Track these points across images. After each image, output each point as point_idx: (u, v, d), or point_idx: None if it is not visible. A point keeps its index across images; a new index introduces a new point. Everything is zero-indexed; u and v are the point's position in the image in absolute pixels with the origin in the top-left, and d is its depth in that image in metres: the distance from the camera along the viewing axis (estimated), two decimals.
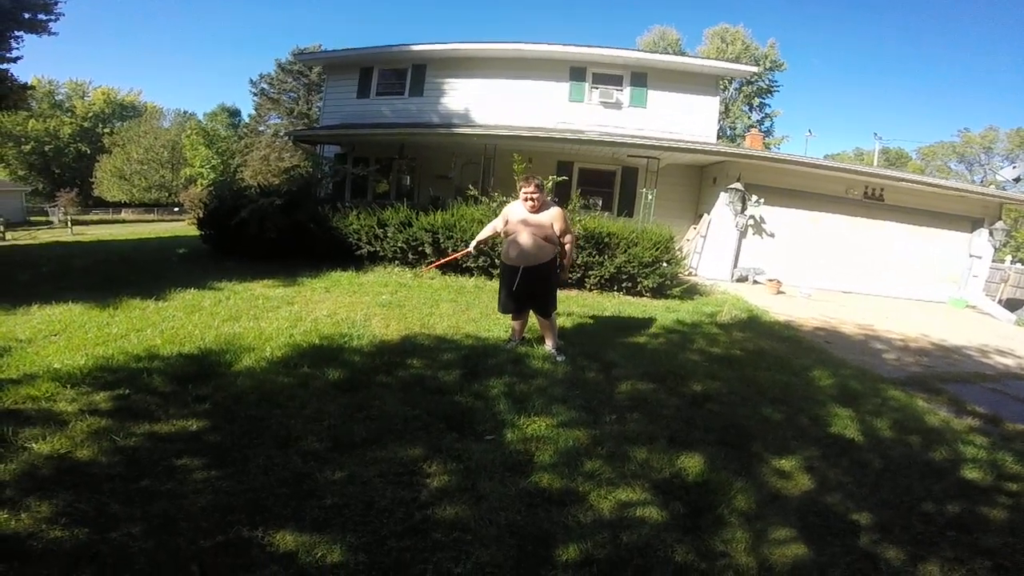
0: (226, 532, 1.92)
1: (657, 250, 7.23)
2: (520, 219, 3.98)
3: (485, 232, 4.41)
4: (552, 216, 3.98)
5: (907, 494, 2.63)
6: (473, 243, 4.51)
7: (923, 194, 10.86)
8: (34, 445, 2.38)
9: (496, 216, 7.09)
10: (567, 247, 4.13)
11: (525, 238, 3.93)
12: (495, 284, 6.84)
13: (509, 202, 7.37)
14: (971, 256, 11.05)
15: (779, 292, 9.26)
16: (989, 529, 2.40)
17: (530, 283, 3.99)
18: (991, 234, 10.83)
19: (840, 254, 10.85)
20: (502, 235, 4.20)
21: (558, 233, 4.00)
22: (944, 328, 7.75)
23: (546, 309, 4.16)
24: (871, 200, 10.83)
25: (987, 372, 5.44)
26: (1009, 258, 18.35)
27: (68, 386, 3.01)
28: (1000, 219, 11.04)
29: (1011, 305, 11.17)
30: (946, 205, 10.93)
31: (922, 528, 2.36)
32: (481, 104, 12.54)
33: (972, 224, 11.06)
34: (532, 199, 3.93)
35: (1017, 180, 12.59)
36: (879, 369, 4.99)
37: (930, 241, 11.03)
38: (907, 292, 10.89)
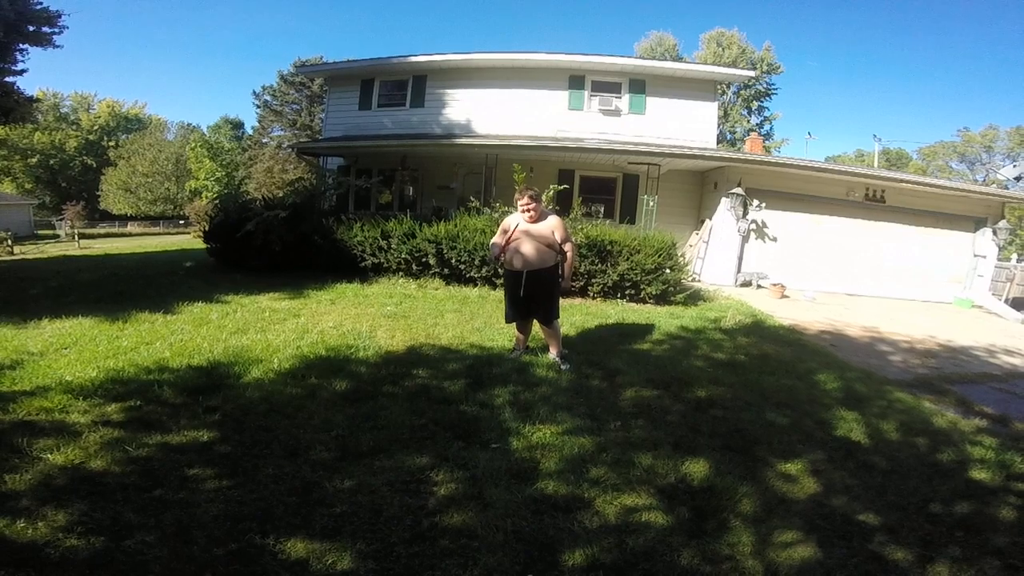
0: (238, 540, 1.95)
1: (660, 257, 7.25)
2: (521, 229, 4.05)
3: (497, 243, 4.20)
4: (552, 224, 4.07)
5: (914, 495, 2.63)
6: (495, 253, 4.22)
7: (924, 195, 10.87)
8: (48, 456, 2.43)
9: (498, 227, 7.19)
10: (568, 254, 4.19)
11: (527, 246, 4.01)
12: (498, 294, 6.89)
13: (511, 212, 7.50)
14: (975, 256, 11.02)
15: (783, 296, 9.25)
16: (998, 529, 2.40)
17: (534, 288, 4.04)
18: (995, 233, 10.82)
19: (844, 256, 10.85)
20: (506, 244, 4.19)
21: (559, 240, 4.07)
22: (950, 329, 7.72)
23: (549, 316, 4.21)
24: (872, 202, 10.84)
25: (995, 372, 5.42)
26: (1015, 256, 18.26)
27: (80, 398, 3.06)
28: (1003, 218, 11.02)
29: (1018, 304, 11.12)
30: (948, 205, 10.93)
31: (930, 529, 2.36)
32: (482, 114, 12.65)
33: (975, 224, 11.05)
34: (529, 210, 3.99)
35: (1018, 179, 12.57)
36: (885, 371, 4.98)
37: (933, 241, 11.01)
38: (912, 293, 10.86)
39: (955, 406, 4.11)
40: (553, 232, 4.04)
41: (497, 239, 4.23)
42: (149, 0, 77.34)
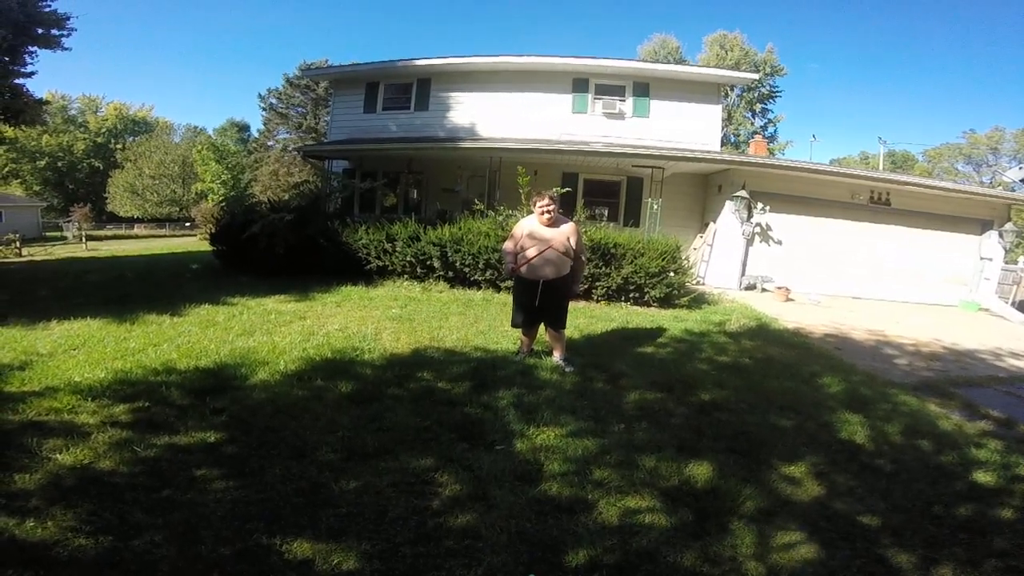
0: (245, 540, 1.97)
1: (664, 260, 7.25)
2: (537, 234, 4.02)
3: (510, 250, 4.21)
4: (569, 230, 4.06)
5: (918, 498, 2.63)
6: (510, 263, 4.22)
7: (929, 197, 10.82)
8: (58, 456, 2.46)
9: (504, 231, 7.24)
10: (581, 260, 4.20)
11: (546, 252, 3.98)
12: (503, 297, 6.92)
13: (515, 215, 7.54)
14: (981, 258, 10.96)
15: (788, 299, 9.23)
16: (1002, 531, 2.39)
17: (549, 297, 4.04)
18: (1001, 236, 10.75)
19: (848, 259, 10.80)
20: (518, 251, 4.16)
21: (574, 247, 4.07)
22: (956, 331, 7.68)
23: (560, 322, 4.21)
24: (877, 205, 10.80)
25: (1000, 375, 5.39)
26: (1022, 259, 18.10)
27: (89, 399, 3.10)
28: (1009, 220, 10.96)
29: None
30: (953, 208, 10.87)
31: (934, 531, 2.36)
32: (486, 117, 12.68)
33: (981, 226, 10.99)
34: (549, 211, 3.99)
35: None
36: (890, 374, 4.96)
37: (939, 244, 10.95)
38: (918, 296, 10.80)
39: (960, 409, 4.10)
40: (569, 238, 4.03)
41: (508, 246, 4.22)
42: (156, 3, 78.10)
